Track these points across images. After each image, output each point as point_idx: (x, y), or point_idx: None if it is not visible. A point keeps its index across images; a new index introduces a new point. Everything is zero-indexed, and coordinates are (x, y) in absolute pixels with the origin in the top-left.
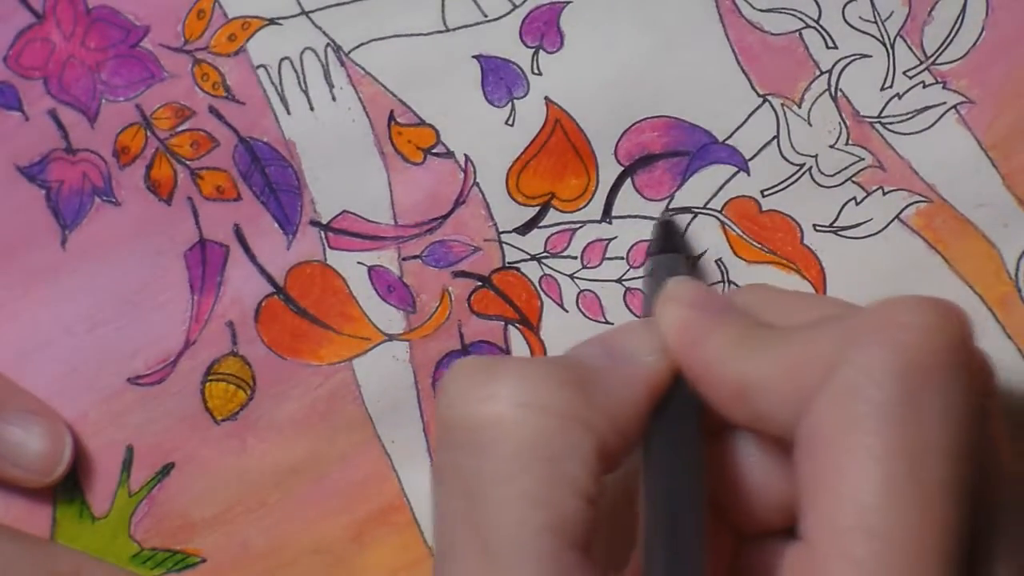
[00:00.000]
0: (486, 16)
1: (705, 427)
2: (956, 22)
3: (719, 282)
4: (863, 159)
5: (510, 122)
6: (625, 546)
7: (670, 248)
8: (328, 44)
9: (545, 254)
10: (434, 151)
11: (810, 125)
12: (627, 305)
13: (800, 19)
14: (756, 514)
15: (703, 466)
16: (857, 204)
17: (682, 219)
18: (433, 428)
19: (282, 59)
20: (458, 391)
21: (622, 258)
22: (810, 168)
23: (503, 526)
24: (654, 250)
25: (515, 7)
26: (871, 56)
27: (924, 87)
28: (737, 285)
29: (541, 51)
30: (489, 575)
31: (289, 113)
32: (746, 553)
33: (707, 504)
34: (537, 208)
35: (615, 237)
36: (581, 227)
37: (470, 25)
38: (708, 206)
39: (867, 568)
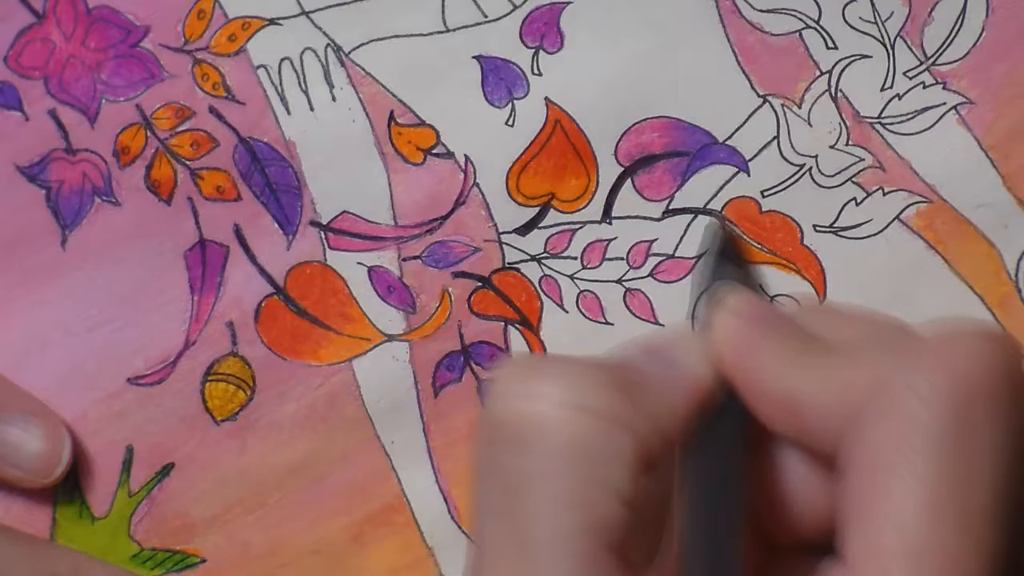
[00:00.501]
0: (486, 16)
1: (747, 436)
2: (956, 23)
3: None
4: (863, 160)
5: (510, 122)
6: (653, 543)
7: (729, 261)
8: (328, 44)
9: (545, 255)
10: (434, 151)
11: (810, 126)
12: (627, 306)
13: (800, 20)
14: (791, 525)
15: (744, 476)
16: (857, 205)
17: (683, 220)
18: (432, 428)
19: (282, 59)
20: (503, 388)
21: (622, 259)
22: (810, 169)
23: (540, 525)
24: (713, 262)
25: (515, 7)
26: (871, 57)
27: (924, 88)
28: None
29: (541, 51)
30: (524, 573)
31: (289, 113)
32: (778, 564)
33: (746, 513)
34: (537, 209)
35: (615, 238)
36: (581, 228)
37: (470, 25)
38: (708, 207)
39: None
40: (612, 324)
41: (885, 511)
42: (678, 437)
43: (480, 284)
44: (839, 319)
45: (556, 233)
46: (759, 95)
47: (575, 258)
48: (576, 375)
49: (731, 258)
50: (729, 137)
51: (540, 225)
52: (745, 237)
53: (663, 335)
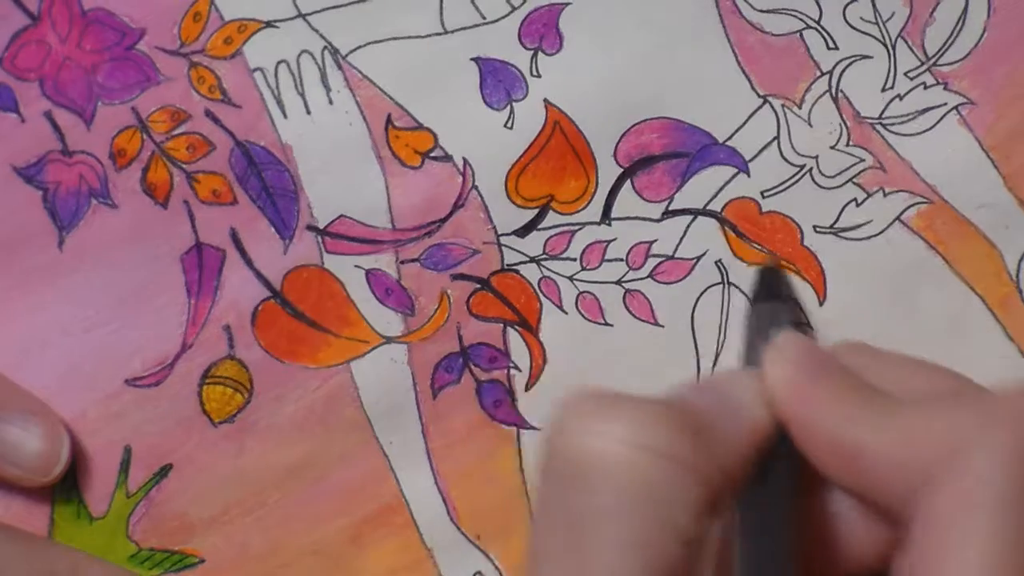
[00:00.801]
0: (484, 18)
1: (801, 480)
2: (957, 23)
3: (719, 283)
4: (864, 160)
5: (509, 125)
6: None
7: (775, 296)
8: (325, 47)
9: (544, 256)
10: (432, 155)
11: (811, 126)
12: (627, 307)
13: (801, 20)
14: (841, 571)
15: (796, 524)
16: (858, 205)
17: (682, 221)
18: (431, 430)
19: (279, 62)
20: (572, 423)
21: (621, 260)
22: (810, 169)
23: (602, 564)
24: (758, 298)
25: (514, 9)
26: (872, 57)
27: (925, 88)
28: (737, 286)
29: (540, 53)
30: None
31: (286, 117)
32: None
33: (799, 559)
34: (536, 210)
35: (614, 239)
36: (580, 229)
37: (468, 27)
38: (708, 208)
39: None
40: (611, 325)
41: (953, 570)
42: (739, 478)
43: (479, 286)
44: (888, 364)
45: (555, 234)
46: (759, 96)
47: (574, 259)
48: (641, 414)
49: (775, 293)
50: (729, 138)
51: (539, 227)
52: (744, 238)
53: (727, 378)
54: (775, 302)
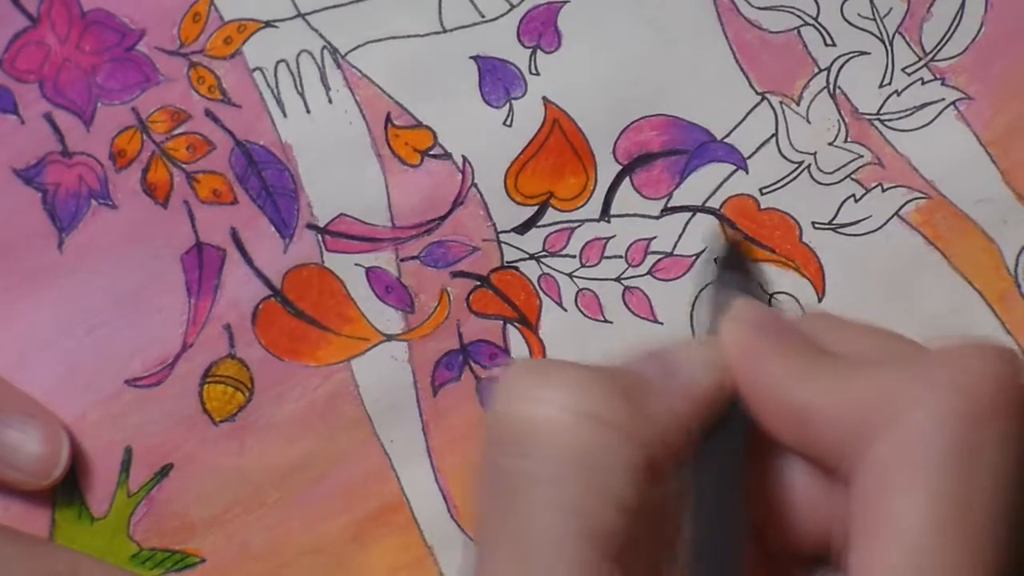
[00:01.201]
0: (483, 16)
1: (752, 447)
2: (955, 18)
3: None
4: (862, 156)
5: (508, 122)
6: (659, 554)
7: (736, 268)
8: (324, 46)
9: (544, 253)
10: (432, 153)
11: (809, 123)
12: (626, 304)
13: (799, 17)
14: (792, 537)
15: (746, 485)
16: (856, 201)
17: (681, 218)
18: (432, 427)
19: (278, 62)
20: (510, 390)
21: (620, 257)
22: (809, 166)
23: (540, 530)
24: (719, 269)
25: (512, 7)
26: (870, 53)
27: (923, 84)
28: None
29: (539, 51)
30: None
31: (285, 116)
32: (775, 573)
33: (749, 526)
34: (535, 208)
35: (613, 236)
36: (579, 226)
37: (467, 26)
38: (707, 204)
39: None
40: (611, 322)
41: (891, 527)
42: (686, 447)
43: (479, 283)
44: (846, 330)
45: (555, 232)
46: (757, 92)
47: (574, 256)
48: (581, 380)
49: (737, 266)
50: (727, 135)
51: (539, 224)
52: (744, 235)
53: (674, 346)
54: (728, 270)
